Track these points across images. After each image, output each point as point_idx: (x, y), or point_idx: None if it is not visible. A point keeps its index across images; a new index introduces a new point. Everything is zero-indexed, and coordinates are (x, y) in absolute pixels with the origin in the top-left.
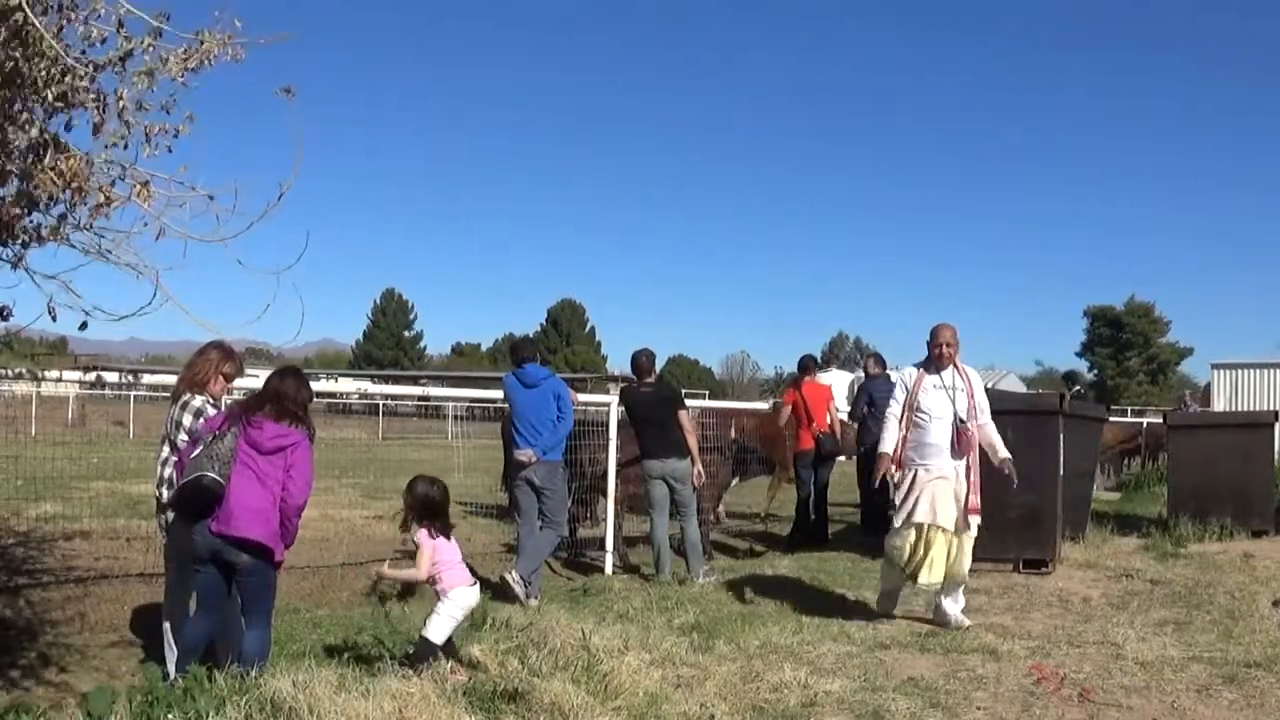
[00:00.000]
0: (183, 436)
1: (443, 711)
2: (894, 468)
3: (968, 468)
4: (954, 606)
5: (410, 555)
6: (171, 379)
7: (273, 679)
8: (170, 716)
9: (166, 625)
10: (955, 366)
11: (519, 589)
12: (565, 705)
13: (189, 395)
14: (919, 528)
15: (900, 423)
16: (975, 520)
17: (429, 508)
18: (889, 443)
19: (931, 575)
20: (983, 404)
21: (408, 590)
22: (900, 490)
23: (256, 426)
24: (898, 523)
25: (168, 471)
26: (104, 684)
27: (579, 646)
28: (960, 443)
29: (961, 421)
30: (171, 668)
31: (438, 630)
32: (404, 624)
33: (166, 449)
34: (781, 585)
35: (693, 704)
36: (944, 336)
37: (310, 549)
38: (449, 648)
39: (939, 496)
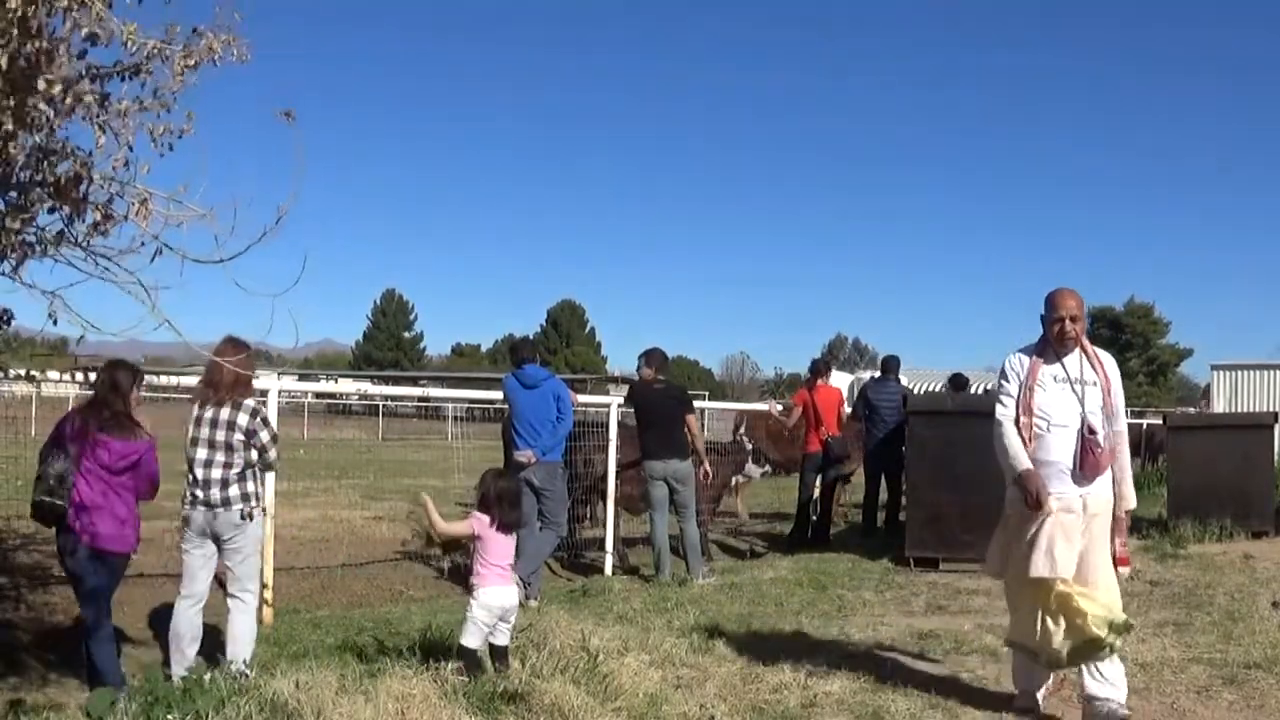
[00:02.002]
0: (266, 437)
1: (444, 712)
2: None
3: (1110, 492)
4: (1105, 686)
5: (408, 555)
6: (169, 379)
7: (273, 680)
8: (170, 717)
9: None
10: (1083, 350)
11: (519, 590)
12: (565, 706)
13: (247, 400)
14: (1036, 585)
15: (1018, 428)
16: (1124, 571)
17: (501, 499)
18: (1021, 453)
19: (1068, 651)
20: (1119, 405)
21: (451, 544)
22: (1004, 528)
23: (103, 446)
24: (1006, 576)
25: (250, 485)
26: (104, 685)
27: (579, 647)
28: (1087, 461)
29: (1091, 431)
30: (176, 668)
31: (470, 636)
32: (404, 624)
33: (233, 455)
34: (781, 586)
35: (693, 705)
36: (1067, 306)
37: (310, 550)
38: (499, 654)
39: (1059, 538)
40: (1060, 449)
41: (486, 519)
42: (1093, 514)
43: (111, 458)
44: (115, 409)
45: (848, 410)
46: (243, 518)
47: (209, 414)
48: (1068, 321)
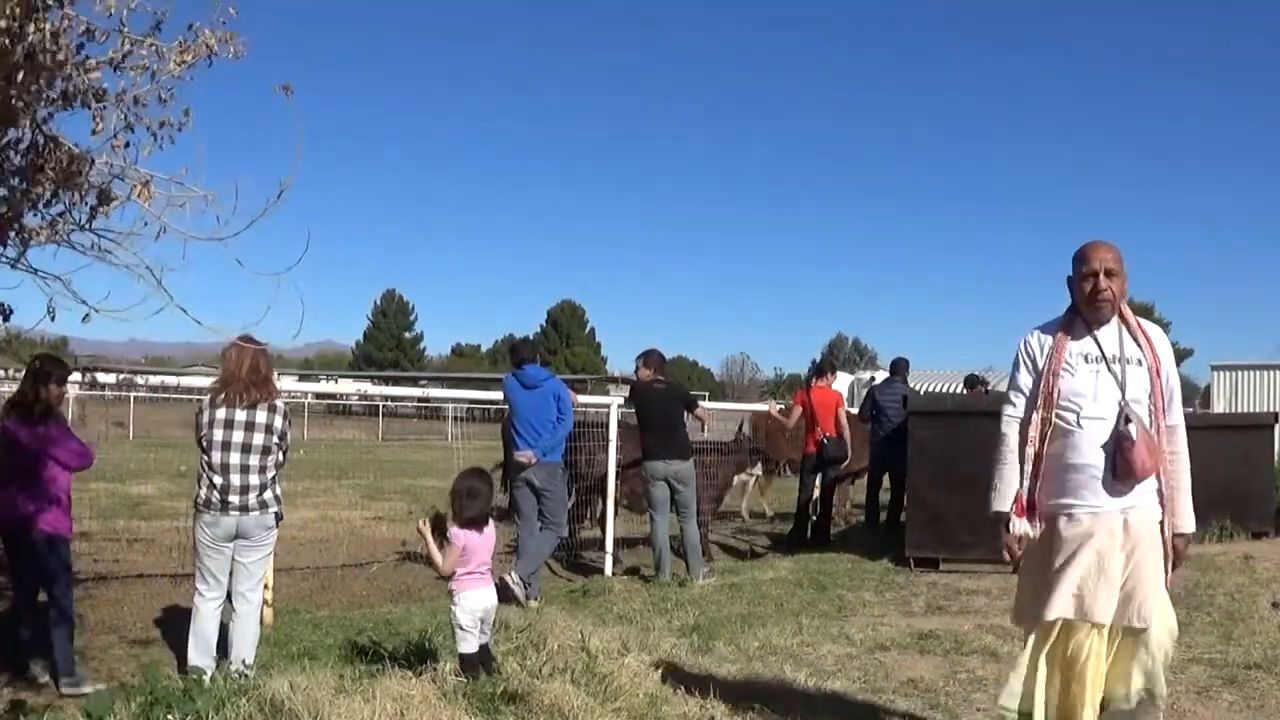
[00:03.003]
0: (290, 438)
1: (443, 713)
2: (1019, 518)
3: (1161, 507)
4: None
5: (408, 555)
6: (169, 379)
7: (272, 680)
8: (170, 717)
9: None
10: (1124, 320)
11: (519, 590)
12: (565, 707)
13: (277, 400)
14: (1058, 630)
15: (1026, 432)
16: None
17: (459, 495)
18: (1008, 482)
19: (1085, 714)
20: (1175, 392)
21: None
22: (1027, 567)
23: (18, 438)
24: (1021, 618)
25: (278, 487)
26: (104, 685)
27: (579, 648)
28: (1120, 461)
29: (1128, 421)
30: (201, 664)
31: (465, 643)
32: (404, 625)
33: (268, 458)
34: (781, 586)
35: (693, 705)
36: (1101, 257)
37: (310, 550)
38: (485, 654)
39: (1092, 569)
40: (1095, 449)
41: (461, 531)
42: (1137, 537)
43: (28, 445)
44: (29, 403)
45: (853, 410)
46: (277, 520)
47: (241, 416)
48: (1101, 277)
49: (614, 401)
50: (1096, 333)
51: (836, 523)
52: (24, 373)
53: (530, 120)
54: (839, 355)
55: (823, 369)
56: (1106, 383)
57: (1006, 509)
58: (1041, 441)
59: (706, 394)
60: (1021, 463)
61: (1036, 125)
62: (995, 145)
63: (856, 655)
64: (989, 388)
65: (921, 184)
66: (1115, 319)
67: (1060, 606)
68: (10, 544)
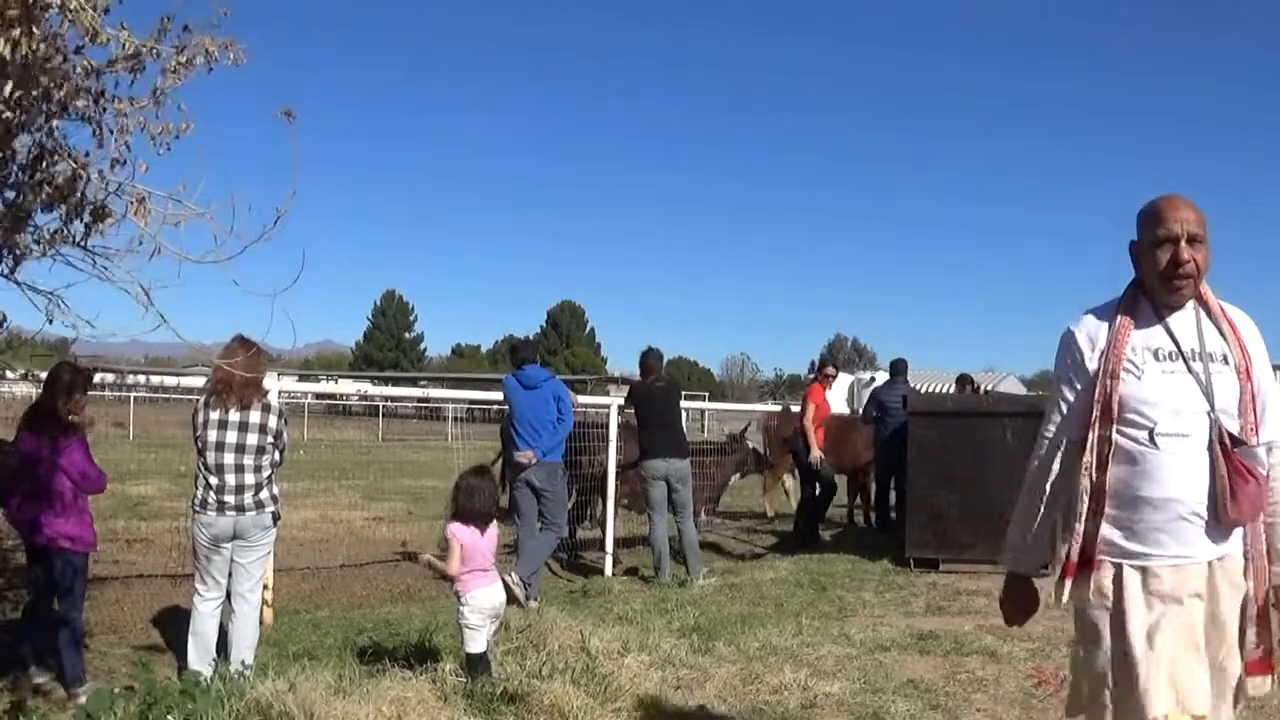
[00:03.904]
0: (288, 437)
1: (442, 714)
2: (1067, 580)
3: (1246, 553)
4: None
5: (408, 555)
6: (169, 379)
7: (271, 682)
8: (169, 718)
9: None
10: (1204, 305)
11: (519, 591)
12: (565, 707)
13: (270, 400)
14: None
15: (1078, 459)
16: (1263, 684)
17: (458, 491)
18: (1033, 534)
19: None
20: (1268, 394)
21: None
22: (1085, 618)
23: (31, 446)
24: (1080, 710)
25: (275, 487)
26: (103, 685)
27: (578, 648)
28: (1239, 494)
29: (1231, 440)
30: (200, 667)
31: (473, 643)
32: (404, 625)
33: (263, 458)
34: (781, 586)
35: (693, 706)
36: (1180, 219)
37: (310, 550)
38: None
39: (1182, 645)
40: (1176, 477)
41: (459, 527)
42: (1221, 599)
43: (44, 456)
44: (43, 409)
45: (837, 411)
46: (274, 520)
47: (234, 417)
48: (1183, 246)
49: (614, 402)
50: (1169, 320)
51: (836, 521)
52: (45, 381)
53: (530, 120)
54: (839, 355)
55: (823, 365)
56: (1186, 388)
57: (1028, 572)
58: (1100, 469)
59: (706, 394)
60: (1073, 500)
61: (1036, 125)
62: (995, 145)
63: (856, 655)
64: (978, 387)
65: (922, 184)
66: (1192, 302)
67: (1162, 699)
68: (28, 551)
